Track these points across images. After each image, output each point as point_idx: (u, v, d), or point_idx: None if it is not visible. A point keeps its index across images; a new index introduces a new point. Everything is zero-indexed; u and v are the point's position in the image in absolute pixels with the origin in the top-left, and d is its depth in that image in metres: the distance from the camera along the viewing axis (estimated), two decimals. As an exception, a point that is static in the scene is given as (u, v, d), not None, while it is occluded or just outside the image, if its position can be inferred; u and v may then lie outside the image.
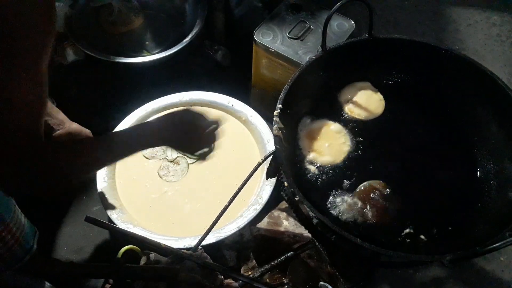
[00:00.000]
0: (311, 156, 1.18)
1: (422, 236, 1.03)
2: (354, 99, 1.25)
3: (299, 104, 1.21)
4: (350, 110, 1.25)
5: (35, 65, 0.75)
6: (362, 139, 1.20)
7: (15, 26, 0.69)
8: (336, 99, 1.27)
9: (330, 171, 1.15)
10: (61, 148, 0.91)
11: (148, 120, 1.10)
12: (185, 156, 1.55)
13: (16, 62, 0.72)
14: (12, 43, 0.70)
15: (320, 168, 1.16)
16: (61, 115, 1.26)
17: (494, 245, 0.78)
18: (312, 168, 1.16)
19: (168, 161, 1.54)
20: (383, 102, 1.27)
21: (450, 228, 1.04)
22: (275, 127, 1.03)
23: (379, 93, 1.28)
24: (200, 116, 1.10)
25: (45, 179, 0.87)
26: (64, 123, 1.24)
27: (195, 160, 1.55)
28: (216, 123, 1.13)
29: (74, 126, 1.26)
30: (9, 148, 0.77)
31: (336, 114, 1.25)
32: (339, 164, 1.16)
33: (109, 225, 1.11)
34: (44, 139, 0.85)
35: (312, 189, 1.12)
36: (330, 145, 1.20)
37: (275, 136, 1.02)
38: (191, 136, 1.08)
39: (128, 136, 1.04)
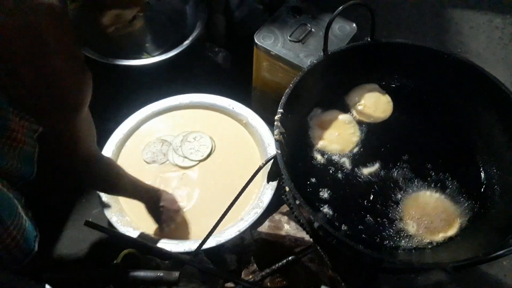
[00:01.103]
0: (320, 144, 1.18)
1: (425, 241, 1.02)
2: (362, 101, 1.24)
3: (301, 107, 1.20)
4: (359, 112, 1.24)
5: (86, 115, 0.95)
6: (369, 132, 1.22)
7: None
8: (343, 101, 1.27)
9: (338, 160, 1.16)
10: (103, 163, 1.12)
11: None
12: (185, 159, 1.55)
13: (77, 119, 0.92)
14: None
15: (328, 156, 1.16)
16: None
17: (498, 253, 0.77)
18: (319, 157, 1.17)
19: (171, 164, 1.54)
20: (391, 104, 1.26)
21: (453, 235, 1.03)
22: (276, 131, 1.02)
23: (387, 95, 1.27)
24: (175, 204, 1.39)
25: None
26: None
27: (196, 163, 1.54)
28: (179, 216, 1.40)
29: None
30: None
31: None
32: (347, 153, 1.17)
33: (109, 230, 1.10)
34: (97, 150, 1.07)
35: (317, 178, 1.13)
36: (339, 134, 1.20)
37: (276, 141, 1.01)
38: (163, 212, 1.35)
39: (139, 187, 1.29)
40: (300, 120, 1.22)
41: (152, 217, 1.35)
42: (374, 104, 1.24)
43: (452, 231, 1.04)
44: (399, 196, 1.09)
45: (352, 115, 1.25)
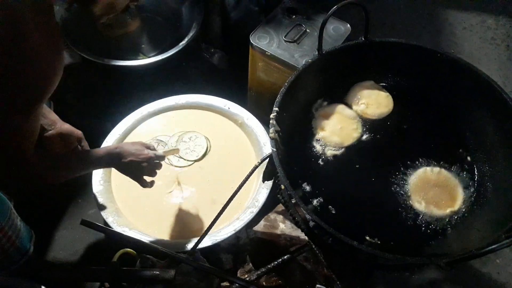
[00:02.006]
0: (320, 134, 1.21)
1: (419, 238, 1.03)
2: (364, 100, 1.26)
3: (296, 106, 1.21)
4: (363, 111, 1.25)
5: (32, 108, 0.84)
6: (370, 129, 1.24)
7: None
8: (342, 101, 1.28)
9: (335, 152, 1.19)
10: (43, 160, 1.00)
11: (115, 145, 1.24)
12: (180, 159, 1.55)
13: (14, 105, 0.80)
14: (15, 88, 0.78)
15: (326, 147, 1.20)
16: (53, 116, 1.26)
17: (490, 247, 0.78)
18: (318, 147, 1.20)
19: (167, 164, 1.54)
20: (391, 97, 1.28)
21: (446, 230, 1.04)
22: (271, 129, 1.03)
23: (384, 90, 1.29)
24: (143, 151, 1.21)
25: (28, 183, 1.04)
26: (56, 124, 1.24)
27: (191, 163, 1.54)
28: (159, 158, 1.24)
29: (66, 127, 1.26)
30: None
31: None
32: (345, 146, 1.20)
33: (105, 228, 1.10)
34: (32, 153, 0.93)
35: (311, 169, 1.15)
36: (342, 128, 1.22)
37: (272, 139, 1.02)
38: (133, 165, 1.19)
39: (93, 157, 1.15)
40: (303, 109, 1.24)
41: (129, 177, 1.22)
42: (376, 100, 1.26)
43: (458, 204, 1.08)
44: (402, 180, 1.13)
45: (357, 113, 1.26)
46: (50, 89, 0.85)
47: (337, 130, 1.21)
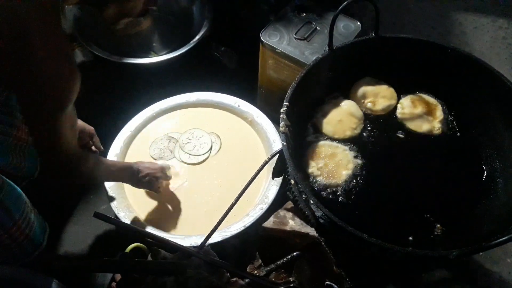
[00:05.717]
0: (318, 120, 1.23)
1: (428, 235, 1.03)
2: (371, 98, 1.26)
3: (306, 102, 1.22)
4: (371, 109, 1.25)
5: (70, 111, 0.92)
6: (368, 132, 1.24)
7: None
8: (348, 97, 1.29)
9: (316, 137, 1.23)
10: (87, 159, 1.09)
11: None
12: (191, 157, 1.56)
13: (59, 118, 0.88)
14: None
15: (317, 133, 1.24)
16: None
17: (500, 240, 0.78)
18: (310, 130, 1.24)
19: (178, 161, 1.56)
20: (392, 90, 1.28)
21: (456, 226, 1.04)
22: (282, 124, 1.04)
23: (383, 83, 1.29)
24: (155, 166, 1.37)
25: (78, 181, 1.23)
26: None
27: (202, 160, 1.55)
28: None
29: (78, 123, 1.27)
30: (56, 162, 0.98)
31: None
32: (332, 137, 1.21)
33: (117, 221, 1.12)
34: (76, 152, 1.02)
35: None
36: (341, 121, 1.22)
37: (282, 133, 1.02)
38: (150, 179, 1.34)
39: (114, 168, 1.27)
40: (312, 105, 1.26)
41: (144, 190, 1.37)
42: (381, 94, 1.26)
43: (439, 120, 1.22)
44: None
45: (366, 112, 1.26)
46: (66, 96, 0.87)
47: (335, 121, 1.21)
